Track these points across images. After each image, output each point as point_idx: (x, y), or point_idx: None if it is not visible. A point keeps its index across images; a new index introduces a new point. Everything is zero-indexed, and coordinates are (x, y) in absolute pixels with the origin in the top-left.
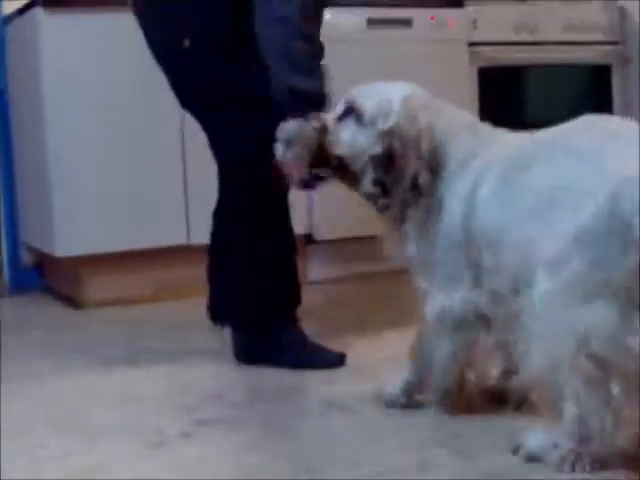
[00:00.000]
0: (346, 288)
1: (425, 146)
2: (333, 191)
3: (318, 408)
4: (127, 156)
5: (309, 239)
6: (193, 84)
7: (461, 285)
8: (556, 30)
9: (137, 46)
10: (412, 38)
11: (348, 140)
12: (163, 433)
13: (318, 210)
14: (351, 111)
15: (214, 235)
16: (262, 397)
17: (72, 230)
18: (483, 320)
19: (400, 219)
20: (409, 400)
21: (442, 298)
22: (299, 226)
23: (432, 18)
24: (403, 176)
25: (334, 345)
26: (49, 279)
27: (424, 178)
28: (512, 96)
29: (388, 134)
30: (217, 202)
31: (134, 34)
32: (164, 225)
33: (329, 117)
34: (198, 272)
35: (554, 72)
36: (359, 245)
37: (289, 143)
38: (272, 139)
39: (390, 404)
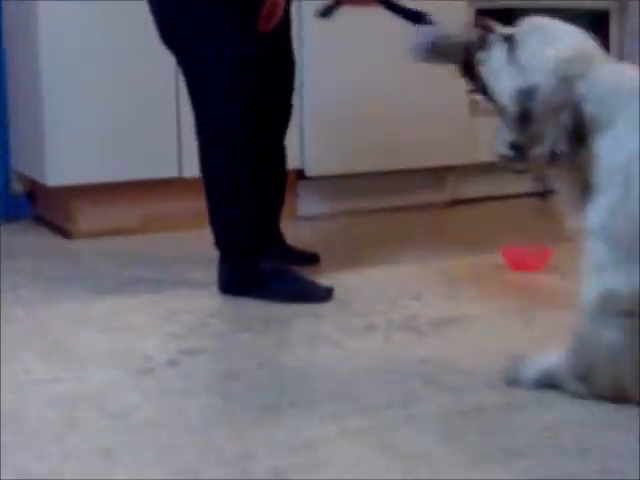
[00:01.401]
0: (337, 225)
1: (568, 117)
2: (325, 126)
3: (303, 341)
4: (120, 87)
5: (300, 175)
6: (170, 22)
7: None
8: None
9: None
10: None
11: (493, 70)
12: (149, 361)
13: (310, 145)
14: (510, 41)
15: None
16: (248, 328)
17: (64, 160)
18: None
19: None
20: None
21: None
22: (290, 161)
23: None
24: (538, 141)
25: (323, 280)
26: (40, 208)
27: (562, 149)
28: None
29: (529, 93)
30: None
31: None
32: (156, 157)
33: (486, 35)
34: (189, 205)
35: (551, 16)
36: (351, 182)
37: (432, 48)
38: (250, 66)
39: (521, 386)
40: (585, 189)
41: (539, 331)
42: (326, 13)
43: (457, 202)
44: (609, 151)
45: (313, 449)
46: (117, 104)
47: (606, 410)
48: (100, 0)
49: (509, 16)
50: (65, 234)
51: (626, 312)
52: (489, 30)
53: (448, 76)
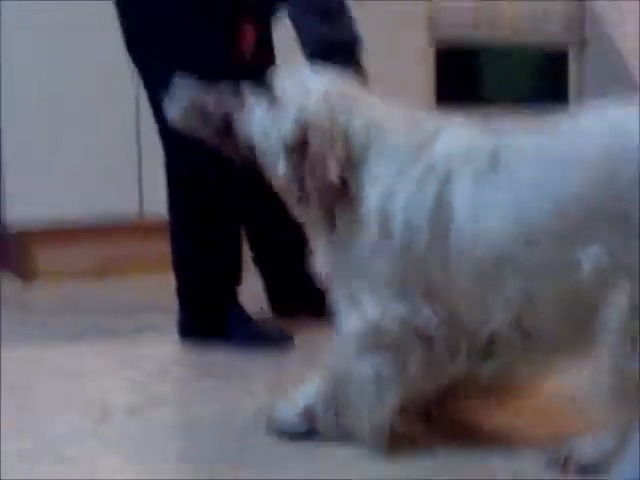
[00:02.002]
0: None
1: (340, 147)
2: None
3: (265, 388)
4: (80, 129)
5: None
6: (144, 31)
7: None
8: (515, 11)
9: (93, 10)
10: (369, 14)
11: (257, 122)
12: (107, 408)
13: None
14: (268, 92)
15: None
16: (209, 374)
17: (22, 202)
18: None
19: (326, 222)
20: (311, 427)
21: (372, 311)
22: None
23: None
24: (315, 172)
25: (287, 327)
26: None
27: (336, 180)
28: (469, 76)
29: (301, 124)
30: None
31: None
32: (116, 200)
33: (241, 97)
34: (150, 249)
35: (512, 53)
36: None
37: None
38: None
39: (284, 429)
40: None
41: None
42: None
43: None
44: (368, 188)
45: None
46: (77, 146)
47: None
48: (60, 38)
49: (470, 56)
50: (23, 277)
51: (383, 346)
52: (242, 95)
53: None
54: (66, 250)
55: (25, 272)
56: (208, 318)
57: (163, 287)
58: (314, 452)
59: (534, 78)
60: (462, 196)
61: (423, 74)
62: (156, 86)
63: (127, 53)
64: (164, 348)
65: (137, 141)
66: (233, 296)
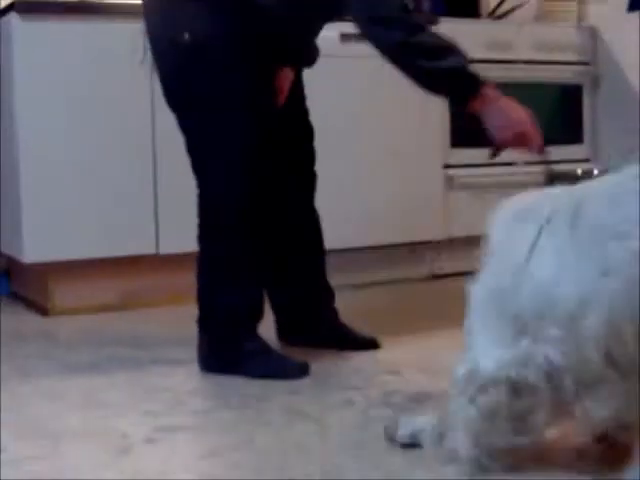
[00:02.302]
0: None
1: None
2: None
3: (281, 417)
4: (97, 164)
5: None
6: (185, 84)
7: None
8: (528, 49)
9: (105, 55)
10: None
11: None
12: (126, 439)
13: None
14: None
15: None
16: (226, 405)
17: (41, 237)
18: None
19: None
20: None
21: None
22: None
23: None
24: None
25: (300, 355)
26: (17, 285)
27: None
28: None
29: None
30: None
31: (104, 43)
32: (133, 234)
33: None
34: (166, 282)
35: (525, 91)
36: (329, 258)
37: None
38: (264, 153)
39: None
40: None
41: None
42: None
43: (435, 277)
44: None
45: None
46: (94, 181)
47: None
48: (76, 76)
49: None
50: (42, 311)
51: (485, 389)
52: None
53: (424, 151)
54: (85, 284)
55: (44, 306)
56: (228, 352)
57: (179, 319)
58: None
59: (548, 114)
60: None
61: (439, 113)
62: (205, 143)
63: (172, 109)
64: (181, 379)
65: (154, 177)
66: (253, 329)
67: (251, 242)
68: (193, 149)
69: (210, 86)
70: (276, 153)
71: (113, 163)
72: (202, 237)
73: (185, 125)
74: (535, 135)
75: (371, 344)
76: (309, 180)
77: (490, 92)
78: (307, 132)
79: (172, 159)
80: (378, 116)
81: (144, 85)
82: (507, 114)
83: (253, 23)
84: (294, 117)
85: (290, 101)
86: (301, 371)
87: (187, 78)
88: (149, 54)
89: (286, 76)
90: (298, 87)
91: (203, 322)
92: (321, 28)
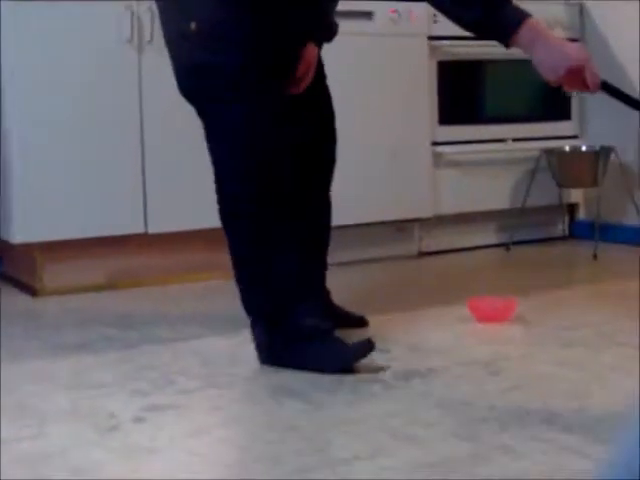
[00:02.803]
0: None
1: None
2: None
3: (270, 395)
4: (85, 143)
5: None
6: (195, 71)
7: None
8: None
9: (91, 35)
10: (373, 31)
11: None
12: (114, 418)
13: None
14: None
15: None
16: (213, 384)
17: (29, 217)
18: None
19: None
20: None
21: None
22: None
23: (393, 11)
24: None
25: None
26: (6, 266)
27: None
28: (471, 91)
29: None
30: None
31: (89, 23)
32: (121, 213)
33: None
34: (155, 261)
35: (513, 67)
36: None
37: None
38: (277, 135)
39: None
40: None
41: (506, 383)
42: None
43: (423, 254)
44: None
45: None
46: (82, 161)
47: (573, 462)
48: (61, 57)
49: (471, 68)
50: (31, 291)
51: None
52: None
53: (411, 129)
54: (74, 265)
55: (33, 287)
56: (287, 335)
57: (168, 298)
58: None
59: (535, 91)
60: None
61: (426, 90)
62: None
63: (185, 98)
64: (169, 358)
65: (142, 157)
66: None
67: (282, 220)
68: (211, 139)
69: (221, 77)
70: (300, 135)
71: (100, 143)
72: (228, 216)
73: (201, 115)
74: (594, 72)
75: (360, 322)
76: (329, 162)
77: (538, 25)
78: (326, 116)
79: (160, 138)
80: (365, 93)
81: (132, 64)
82: (560, 47)
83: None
84: (313, 98)
85: (314, 81)
86: (364, 350)
87: (197, 69)
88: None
89: (311, 53)
90: (319, 65)
91: (250, 308)
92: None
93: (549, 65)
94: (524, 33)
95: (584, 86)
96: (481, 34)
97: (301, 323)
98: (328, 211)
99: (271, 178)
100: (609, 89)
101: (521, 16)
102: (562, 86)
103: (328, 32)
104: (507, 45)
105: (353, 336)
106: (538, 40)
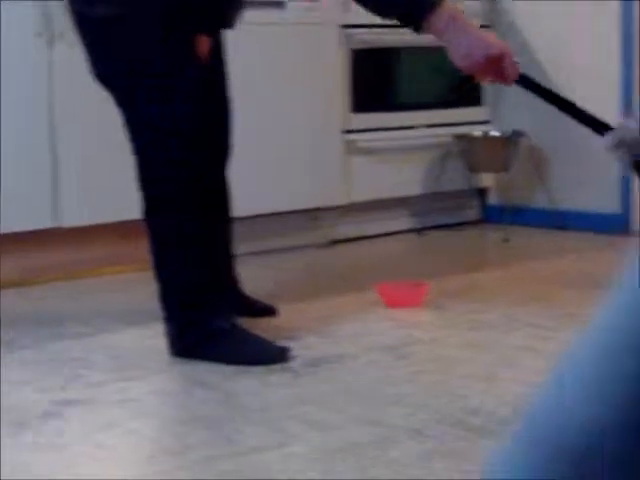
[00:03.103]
0: None
1: None
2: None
3: (179, 385)
4: None
5: None
6: (104, 60)
7: None
8: None
9: (6, 31)
10: (285, 20)
11: None
12: (24, 414)
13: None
14: None
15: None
16: (124, 377)
17: None
18: None
19: None
20: None
21: None
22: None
23: (306, 0)
24: None
25: None
26: None
27: None
28: (384, 79)
29: None
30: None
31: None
32: (33, 208)
33: None
34: (67, 256)
35: (425, 54)
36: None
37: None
38: (194, 129)
39: None
40: None
41: (413, 367)
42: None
43: (334, 242)
44: None
45: None
46: None
47: (477, 442)
48: None
49: (384, 56)
50: None
51: None
52: None
53: (323, 117)
54: None
55: None
56: (198, 332)
57: (80, 293)
58: None
59: (448, 77)
60: None
61: (339, 79)
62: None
63: (95, 75)
64: (80, 353)
65: (52, 150)
66: (220, 308)
67: (201, 213)
68: (127, 124)
69: (130, 61)
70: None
71: (10, 139)
72: (148, 211)
73: (115, 100)
74: (514, 63)
75: (268, 311)
76: (227, 150)
77: (454, 10)
78: (227, 101)
79: (72, 133)
80: (277, 83)
81: (42, 54)
82: (479, 34)
83: None
84: (216, 84)
85: (212, 67)
86: (281, 356)
87: (105, 54)
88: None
89: (203, 41)
90: (218, 51)
91: (164, 303)
92: None
93: (465, 51)
94: (438, 17)
95: (500, 76)
96: (393, 17)
97: (213, 320)
98: (230, 200)
99: (192, 170)
100: (527, 82)
101: (436, 0)
102: (474, 74)
103: (230, 20)
104: (420, 28)
105: (263, 324)
106: (455, 25)
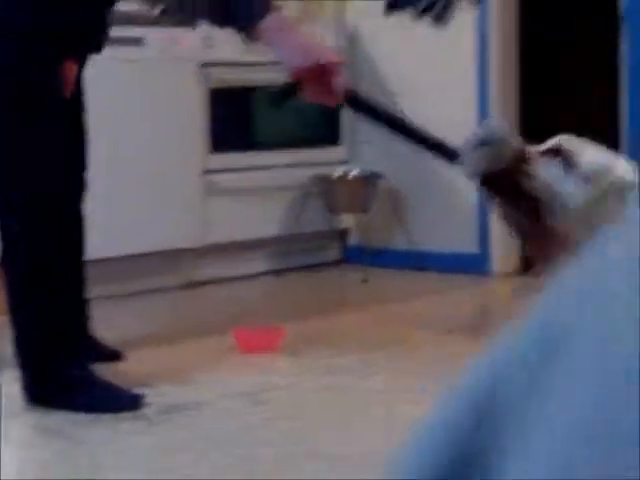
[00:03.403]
0: None
1: None
2: None
3: (33, 433)
4: None
5: None
6: None
7: None
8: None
9: None
10: (143, 57)
11: (550, 180)
12: None
13: None
14: (558, 154)
15: None
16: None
17: None
18: None
19: None
20: None
21: None
22: None
23: (163, 38)
24: None
25: None
26: None
27: None
28: (241, 118)
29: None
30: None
31: None
32: None
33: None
34: None
35: (280, 92)
36: None
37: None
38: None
39: None
40: None
41: (270, 413)
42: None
43: (193, 284)
44: None
45: None
46: None
47: None
48: None
49: (241, 95)
50: None
51: None
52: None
53: (181, 157)
54: None
55: None
56: (54, 380)
57: None
58: None
59: (306, 115)
60: None
61: (197, 118)
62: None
63: None
64: None
65: None
66: (73, 356)
67: (55, 248)
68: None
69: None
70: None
71: None
72: (4, 251)
73: None
74: (344, 79)
75: (115, 356)
76: (82, 183)
77: (287, 19)
78: (84, 132)
79: None
80: (135, 122)
81: None
82: (303, 41)
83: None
84: (76, 114)
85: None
86: (133, 403)
87: None
88: None
89: (70, 67)
90: (78, 80)
91: (19, 349)
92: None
93: (292, 55)
94: (270, 23)
95: (327, 94)
96: (223, 22)
97: (68, 368)
98: (84, 238)
99: (47, 201)
100: (356, 103)
101: (269, 7)
102: (298, 87)
103: (98, 45)
104: (249, 34)
105: (118, 370)
106: (287, 31)
